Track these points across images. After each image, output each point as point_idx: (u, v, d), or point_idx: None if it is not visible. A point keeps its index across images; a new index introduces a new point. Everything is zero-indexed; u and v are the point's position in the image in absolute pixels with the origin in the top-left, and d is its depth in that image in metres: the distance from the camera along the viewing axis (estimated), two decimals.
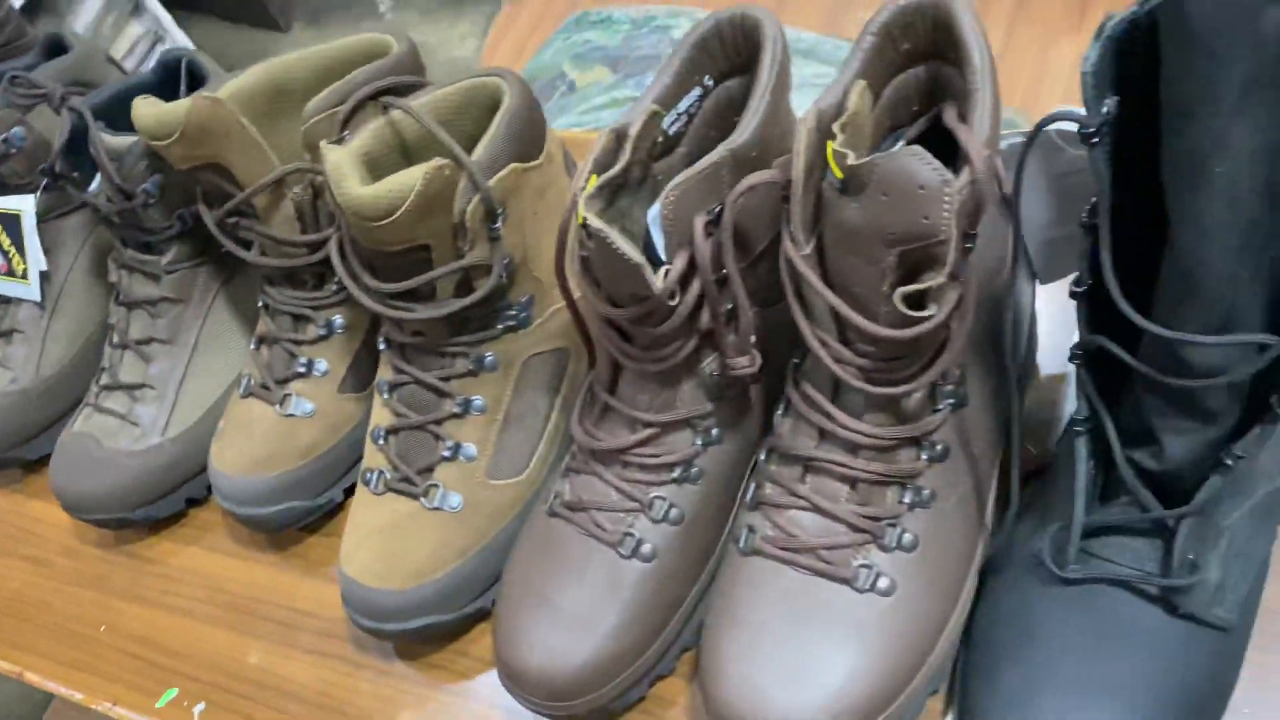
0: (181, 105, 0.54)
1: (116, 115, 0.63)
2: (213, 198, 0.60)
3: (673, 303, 0.43)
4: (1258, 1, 0.29)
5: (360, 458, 0.64)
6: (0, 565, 0.72)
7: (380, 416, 0.57)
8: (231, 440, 0.62)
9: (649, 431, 0.49)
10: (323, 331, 0.61)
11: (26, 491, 0.75)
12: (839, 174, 0.39)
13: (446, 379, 0.55)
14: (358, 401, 0.63)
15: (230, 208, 0.58)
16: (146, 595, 0.67)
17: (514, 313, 0.55)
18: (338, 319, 0.62)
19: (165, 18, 1.95)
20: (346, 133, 0.56)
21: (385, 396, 0.57)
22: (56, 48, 0.73)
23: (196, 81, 0.66)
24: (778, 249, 0.47)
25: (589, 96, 1.05)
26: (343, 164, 0.49)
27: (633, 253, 0.40)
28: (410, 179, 0.48)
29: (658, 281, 0.42)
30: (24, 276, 0.71)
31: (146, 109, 0.56)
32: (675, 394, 0.49)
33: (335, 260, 0.53)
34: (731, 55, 0.48)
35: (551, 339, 0.58)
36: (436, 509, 0.55)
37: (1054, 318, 0.59)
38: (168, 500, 0.67)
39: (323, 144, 0.50)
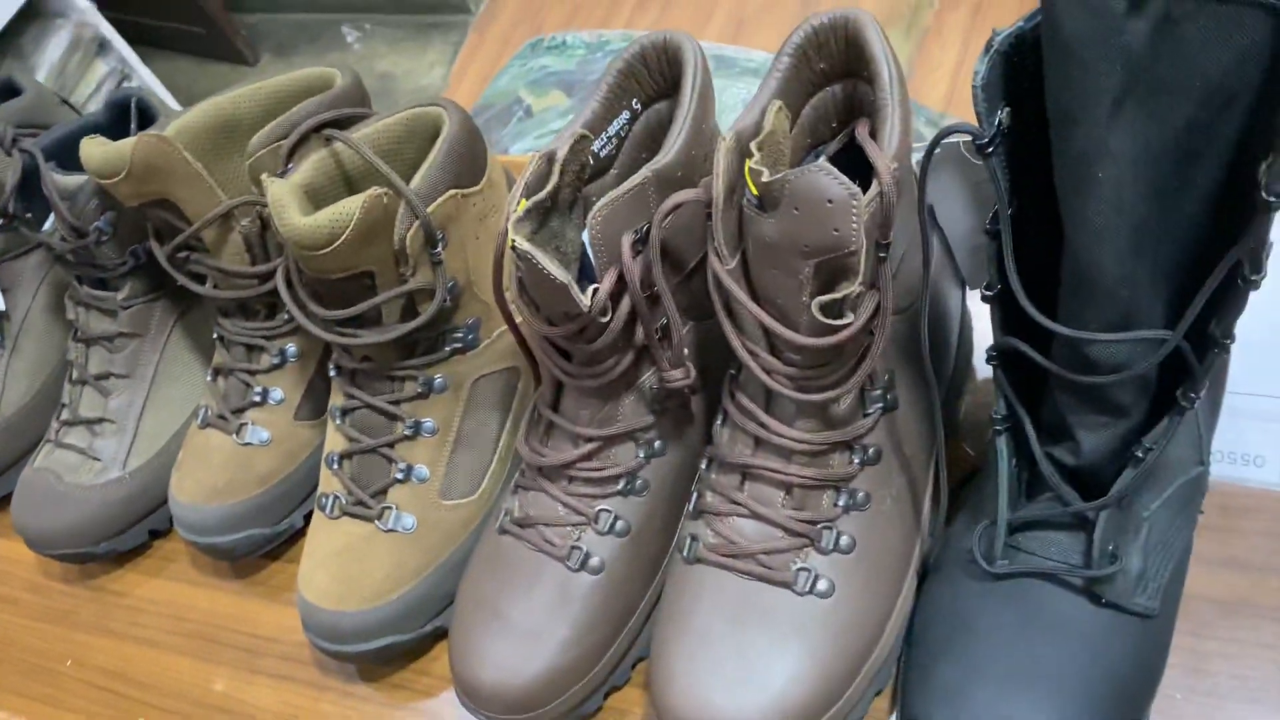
0: (127, 144, 0.55)
1: (69, 155, 0.64)
2: (163, 233, 0.61)
3: (604, 320, 0.45)
4: (1121, 15, 0.31)
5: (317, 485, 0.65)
6: None
7: (334, 442, 0.58)
8: (190, 471, 0.63)
9: (592, 446, 0.50)
10: (276, 360, 0.62)
11: None
12: (755, 191, 0.41)
13: (396, 402, 0.56)
14: (314, 428, 0.64)
15: (179, 242, 0.59)
16: (112, 627, 0.67)
17: (461, 335, 0.56)
18: (291, 347, 0.63)
19: (131, 56, 1.96)
20: (291, 165, 0.57)
21: (338, 422, 0.58)
22: (10, 91, 0.74)
23: (146, 120, 0.67)
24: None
25: (546, 121, 1.07)
26: (283, 196, 0.50)
27: (559, 272, 0.42)
28: (349, 208, 0.49)
29: (585, 300, 0.43)
30: None
31: (94, 149, 0.57)
32: (616, 408, 0.50)
33: (282, 289, 0.54)
34: (658, 79, 0.49)
35: (500, 359, 0.59)
36: (391, 531, 0.56)
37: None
38: (131, 533, 0.68)
39: (264, 177, 0.51)
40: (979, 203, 0.51)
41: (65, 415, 0.68)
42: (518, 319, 0.50)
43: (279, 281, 0.55)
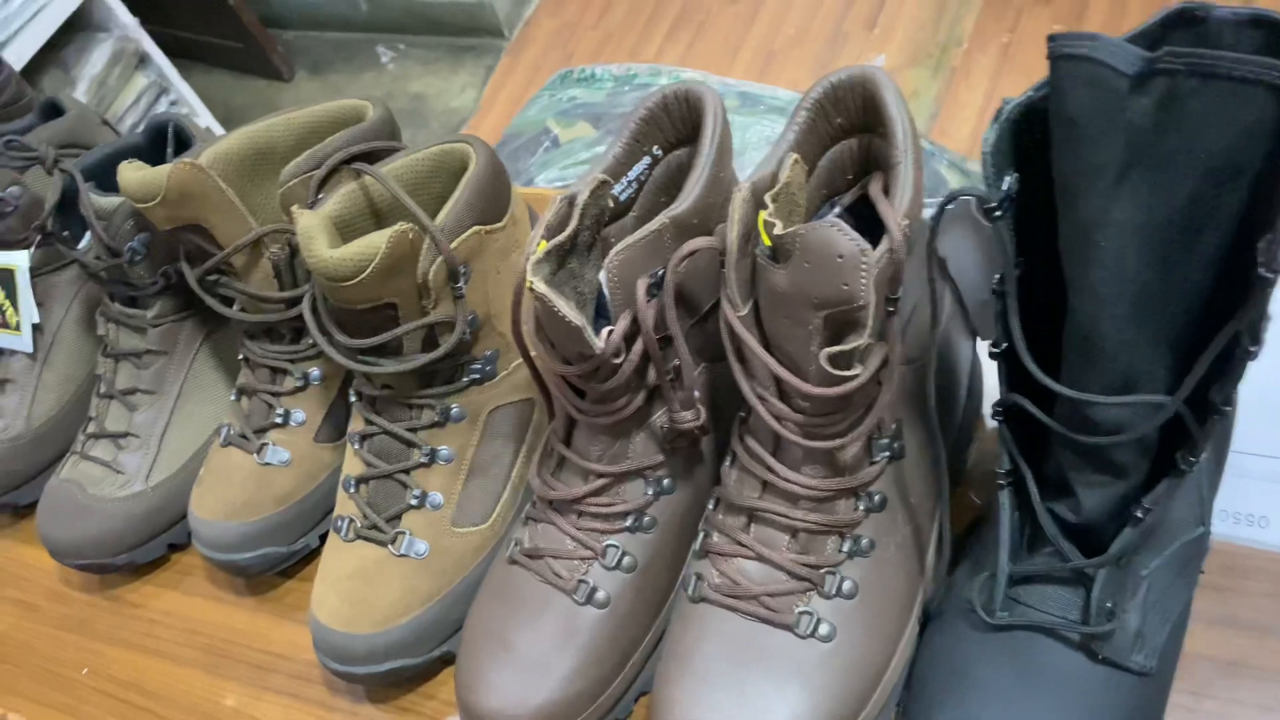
0: (163, 170, 0.57)
1: (107, 176, 0.66)
2: (194, 256, 0.62)
3: (617, 361, 0.46)
4: (1124, 91, 0.32)
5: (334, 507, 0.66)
6: None
7: (351, 466, 0.60)
8: (210, 487, 0.65)
9: (601, 481, 0.51)
10: (299, 383, 0.64)
11: (16, 536, 0.77)
12: (768, 242, 0.42)
13: (414, 430, 0.58)
14: (333, 450, 0.65)
15: (209, 266, 0.60)
16: (128, 638, 0.69)
17: (479, 366, 0.58)
18: (314, 371, 0.64)
19: (170, 70, 2.00)
20: (322, 195, 0.59)
21: (356, 447, 0.59)
22: (53, 110, 0.76)
23: (182, 143, 0.69)
24: None
25: (572, 151, 1.09)
26: (312, 227, 0.52)
27: (573, 315, 0.43)
28: (376, 242, 0.50)
29: (599, 342, 0.44)
30: (16, 328, 0.74)
31: (131, 173, 0.58)
32: (627, 445, 0.51)
33: (308, 317, 0.56)
34: (678, 127, 0.51)
35: (516, 391, 0.60)
36: (403, 556, 0.57)
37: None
38: (150, 546, 0.69)
39: (294, 208, 0.53)
40: (991, 256, 0.52)
41: (92, 428, 0.70)
42: (534, 354, 0.51)
43: (305, 309, 0.56)
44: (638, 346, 0.46)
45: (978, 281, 0.54)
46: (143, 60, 1.96)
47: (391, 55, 2.59)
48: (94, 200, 0.64)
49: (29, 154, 0.69)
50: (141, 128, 0.70)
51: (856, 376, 0.42)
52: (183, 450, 0.69)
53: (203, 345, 0.70)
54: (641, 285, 0.45)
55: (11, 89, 0.83)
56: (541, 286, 0.43)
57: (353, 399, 0.59)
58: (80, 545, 0.67)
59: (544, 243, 0.46)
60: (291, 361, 0.64)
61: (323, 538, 0.67)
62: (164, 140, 0.70)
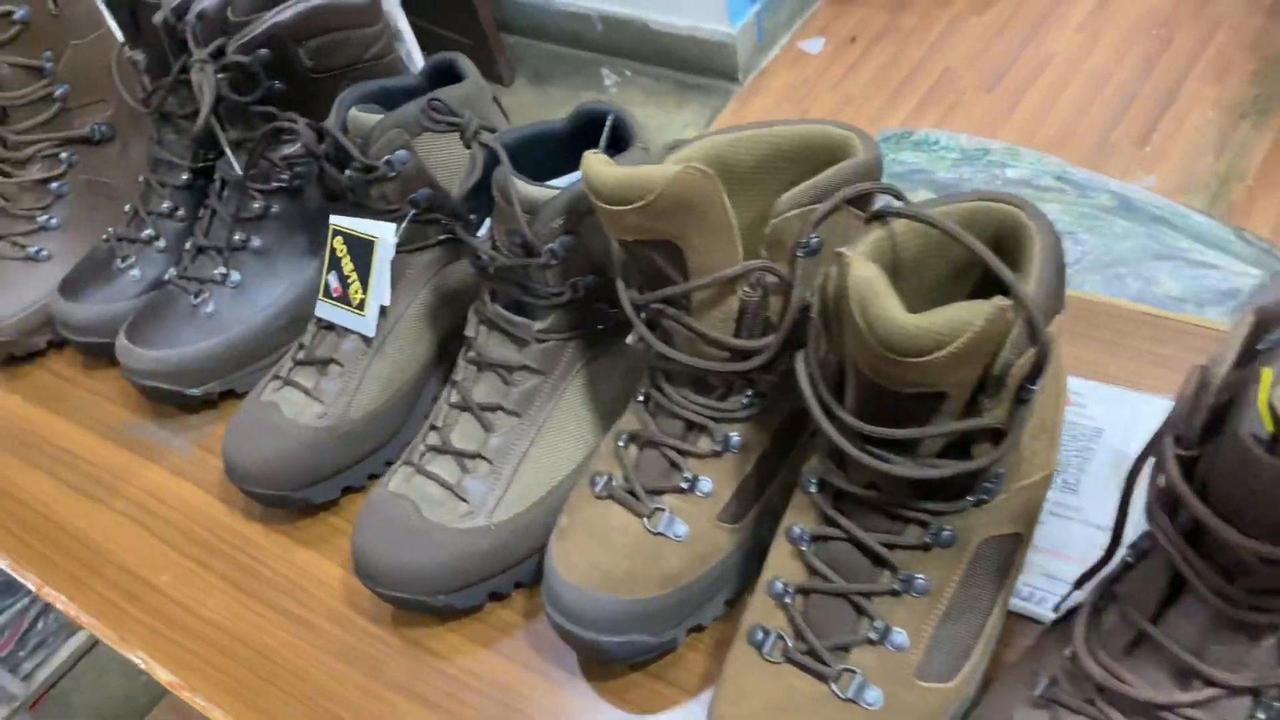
0: (664, 171, 0.46)
1: (517, 161, 0.57)
2: (635, 275, 0.52)
3: None
4: None
5: (713, 597, 0.55)
6: (256, 612, 0.64)
7: (788, 568, 0.48)
8: (582, 545, 0.54)
9: (1211, 692, 0.38)
10: (718, 447, 0.53)
11: (298, 538, 0.68)
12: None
13: (891, 547, 0.46)
14: (731, 533, 0.54)
15: (673, 293, 0.50)
16: (426, 694, 0.58)
17: (989, 485, 0.46)
18: (735, 437, 0.53)
19: (416, 53, 1.97)
20: (814, 235, 0.48)
21: (802, 547, 0.48)
22: (445, 73, 0.68)
23: (620, 142, 0.59)
24: None
25: None
26: (875, 281, 0.41)
27: None
28: (968, 316, 0.39)
29: None
30: (360, 308, 0.65)
31: (602, 167, 0.48)
32: (1250, 651, 0.38)
33: (805, 385, 0.45)
34: None
35: (1009, 521, 0.48)
36: (850, 701, 0.45)
37: None
38: (474, 590, 0.58)
39: (846, 252, 0.42)
40: None
41: (433, 439, 0.60)
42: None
43: (800, 372, 0.45)
44: None
45: None
46: (395, 37, 1.93)
47: (616, 79, 2.53)
48: (522, 188, 0.55)
49: (451, 120, 0.60)
50: (572, 113, 0.60)
51: None
52: (535, 488, 0.59)
53: (579, 372, 0.60)
54: None
55: (384, 40, 0.76)
56: None
57: (812, 488, 0.48)
58: (402, 575, 0.57)
59: (1269, 371, 0.34)
60: (715, 420, 0.53)
61: (690, 630, 0.55)
62: (589, 132, 0.60)
